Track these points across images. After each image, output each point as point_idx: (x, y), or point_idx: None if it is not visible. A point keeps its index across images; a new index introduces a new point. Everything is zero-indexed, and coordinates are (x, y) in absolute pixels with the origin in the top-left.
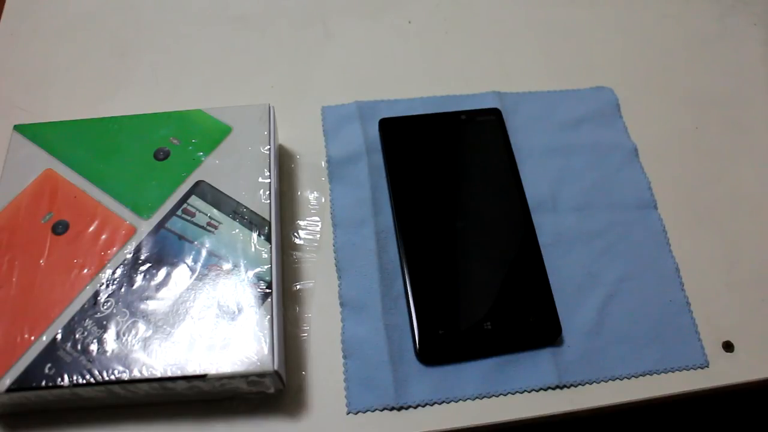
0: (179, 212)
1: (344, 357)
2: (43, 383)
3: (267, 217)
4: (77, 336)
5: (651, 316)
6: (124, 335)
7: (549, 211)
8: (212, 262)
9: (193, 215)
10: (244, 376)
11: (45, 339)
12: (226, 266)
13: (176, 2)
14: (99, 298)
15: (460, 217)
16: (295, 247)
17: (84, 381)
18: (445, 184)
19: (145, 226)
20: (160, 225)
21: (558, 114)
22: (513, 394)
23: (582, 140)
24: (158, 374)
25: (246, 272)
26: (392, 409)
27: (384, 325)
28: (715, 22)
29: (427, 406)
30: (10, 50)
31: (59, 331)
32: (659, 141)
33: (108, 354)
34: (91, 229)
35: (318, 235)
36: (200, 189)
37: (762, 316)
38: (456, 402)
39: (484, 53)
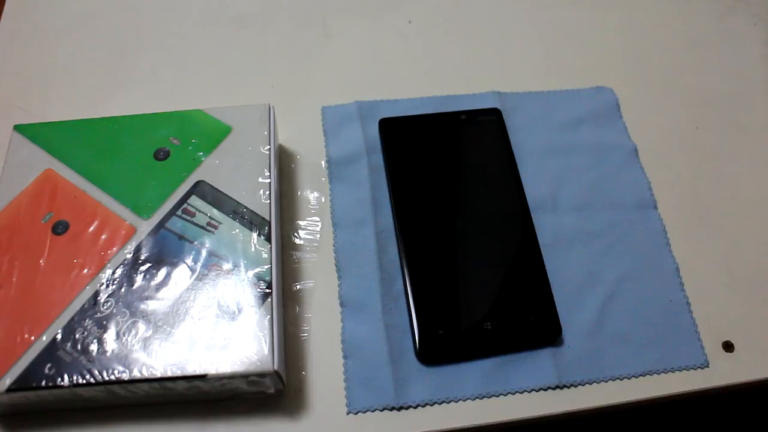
0: (179, 212)
1: (344, 357)
2: (43, 383)
3: (267, 217)
4: (77, 336)
5: (651, 316)
6: (124, 335)
7: (549, 211)
8: (212, 262)
9: (193, 215)
10: (244, 376)
11: (45, 339)
12: (226, 266)
13: (176, 2)
14: (99, 298)
15: (460, 217)
16: (295, 247)
17: (84, 381)
18: (445, 184)
19: (145, 226)
20: (160, 225)
21: (558, 114)
22: (513, 394)
23: (582, 140)
24: (158, 374)
25: (246, 272)
26: (392, 409)
27: (384, 325)
28: (715, 22)
29: (427, 406)
30: (10, 50)
31: (59, 331)
32: (659, 141)
33: (108, 354)
34: (91, 229)
35: (318, 235)
36: (200, 189)
37: (762, 316)
38: (456, 402)
39: (484, 53)
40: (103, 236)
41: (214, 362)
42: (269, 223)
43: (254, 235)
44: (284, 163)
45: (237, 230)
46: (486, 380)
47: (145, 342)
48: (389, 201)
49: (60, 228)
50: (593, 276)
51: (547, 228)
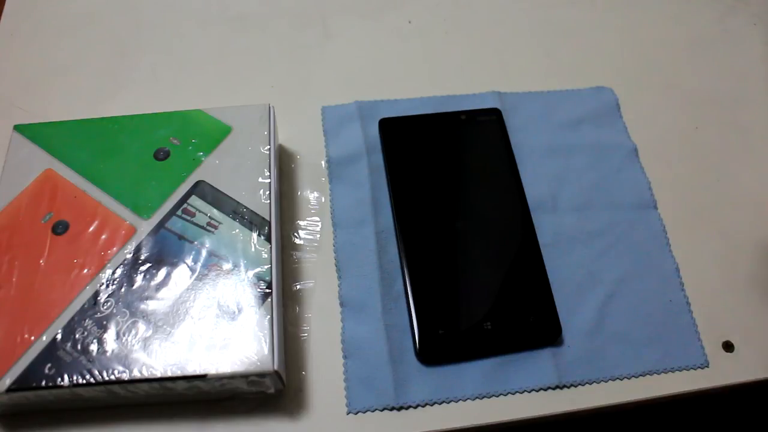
0: (179, 212)
1: (344, 357)
2: (43, 383)
3: (267, 217)
4: (77, 336)
5: (651, 316)
6: (124, 335)
7: (549, 211)
8: (212, 262)
9: (193, 215)
10: (244, 376)
11: (45, 339)
12: (226, 266)
13: (176, 2)
14: (99, 298)
15: (460, 217)
16: (295, 247)
17: (84, 381)
18: (445, 184)
19: (145, 226)
20: (160, 225)
21: (558, 114)
22: (513, 394)
23: (582, 140)
24: (158, 374)
25: (246, 272)
26: (392, 409)
27: (384, 325)
28: (715, 22)
29: (427, 406)
30: (10, 50)
31: (59, 331)
32: (659, 141)
33: (108, 354)
34: (91, 229)
35: (318, 235)
36: (200, 189)
37: (762, 316)
38: (456, 402)
39: (484, 53)
40: (103, 236)
41: (214, 362)
42: (269, 223)
43: (254, 235)
44: (284, 163)
45: (237, 230)
46: (486, 380)
47: (145, 342)
48: (389, 201)
49: (60, 228)
50: (593, 276)
51: (547, 228)
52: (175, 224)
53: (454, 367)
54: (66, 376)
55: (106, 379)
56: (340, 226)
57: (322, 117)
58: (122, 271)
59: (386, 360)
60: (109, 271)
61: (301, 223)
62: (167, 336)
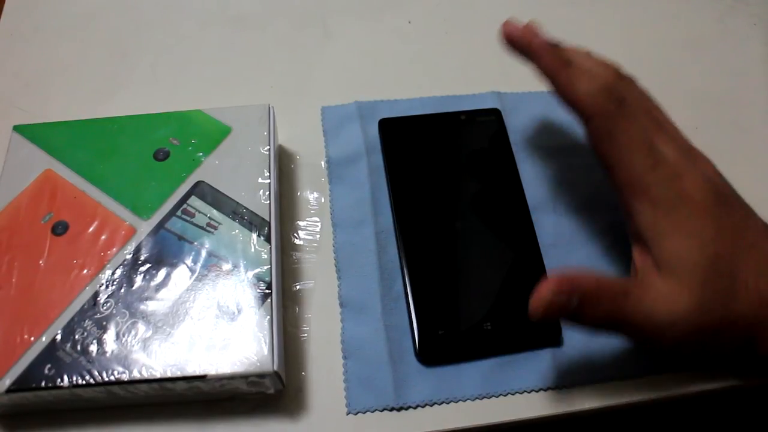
0: (179, 213)
1: (344, 357)
2: (43, 384)
3: (267, 218)
4: (77, 336)
5: None
6: (123, 336)
7: (549, 212)
8: (212, 262)
9: (192, 216)
10: (243, 377)
11: (45, 339)
12: (226, 267)
13: (176, 2)
14: (99, 298)
15: (460, 217)
16: (295, 248)
17: (84, 382)
18: (445, 184)
19: (144, 227)
20: (160, 225)
21: (558, 114)
22: (513, 394)
23: (582, 140)
24: (158, 375)
25: (246, 273)
26: (392, 409)
27: (384, 326)
28: (715, 22)
29: (427, 406)
30: (10, 50)
31: (59, 331)
32: None
33: (108, 355)
34: (90, 229)
35: (318, 236)
36: (200, 189)
37: None
38: (456, 402)
39: (484, 53)
40: (103, 237)
41: (214, 363)
42: (269, 223)
43: (254, 235)
44: (284, 164)
45: (237, 231)
46: (486, 381)
47: (145, 343)
48: (389, 201)
49: (60, 228)
50: None
51: (547, 228)
52: (175, 225)
53: (454, 368)
54: (66, 377)
55: (106, 379)
56: (340, 227)
57: (321, 117)
58: (122, 272)
59: (386, 360)
60: (108, 272)
61: (301, 223)
62: (167, 337)
